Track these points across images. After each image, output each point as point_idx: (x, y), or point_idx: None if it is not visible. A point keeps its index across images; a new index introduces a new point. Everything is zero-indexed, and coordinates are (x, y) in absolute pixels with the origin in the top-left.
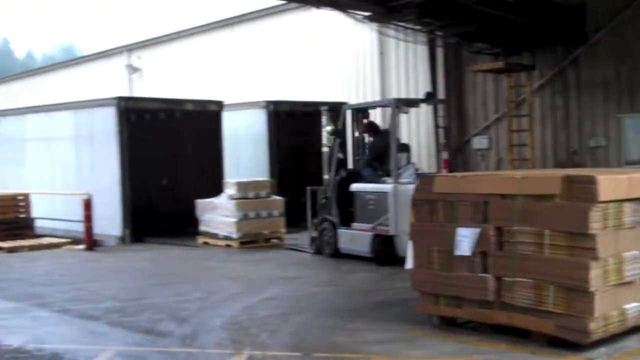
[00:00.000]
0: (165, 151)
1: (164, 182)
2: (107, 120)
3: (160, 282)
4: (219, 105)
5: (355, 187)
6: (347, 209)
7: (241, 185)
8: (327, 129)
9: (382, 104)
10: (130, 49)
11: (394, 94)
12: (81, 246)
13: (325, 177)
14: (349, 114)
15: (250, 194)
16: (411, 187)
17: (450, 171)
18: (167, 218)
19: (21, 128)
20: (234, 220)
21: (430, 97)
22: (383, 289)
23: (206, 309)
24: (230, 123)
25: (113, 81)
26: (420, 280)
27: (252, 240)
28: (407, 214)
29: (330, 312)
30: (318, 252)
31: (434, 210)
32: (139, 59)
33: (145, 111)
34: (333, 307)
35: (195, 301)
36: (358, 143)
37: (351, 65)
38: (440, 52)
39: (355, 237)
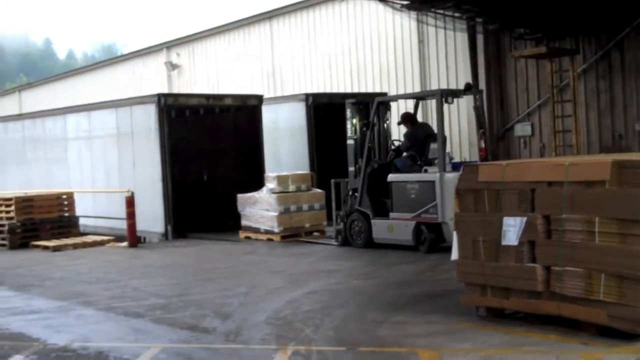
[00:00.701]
0: (206, 147)
1: (204, 178)
2: (148, 118)
3: (203, 277)
4: (259, 99)
5: (394, 177)
6: (381, 200)
7: (282, 179)
8: (352, 121)
9: (428, 95)
10: (169, 46)
11: (434, 83)
12: (124, 243)
13: (350, 169)
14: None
15: (291, 188)
16: (457, 176)
17: (486, 160)
18: (209, 213)
19: (63, 128)
20: (275, 214)
21: (469, 88)
22: (427, 281)
23: (249, 304)
24: (269, 117)
25: (153, 79)
26: (466, 272)
27: (293, 234)
28: (453, 202)
29: (373, 305)
30: (344, 244)
31: (479, 199)
32: (178, 55)
33: (185, 107)
34: (376, 300)
35: (239, 296)
36: (381, 135)
37: (390, 55)
38: (480, 39)
39: (394, 227)
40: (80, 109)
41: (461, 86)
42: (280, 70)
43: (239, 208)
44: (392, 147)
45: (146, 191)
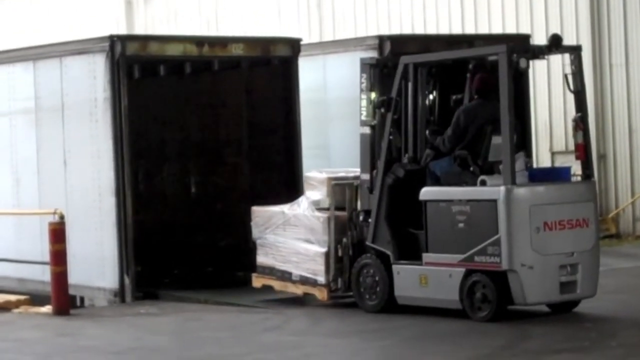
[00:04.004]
0: (195, 132)
1: (193, 190)
2: (91, 80)
3: None
4: (293, 46)
5: (429, 192)
6: (409, 232)
7: (335, 184)
8: (370, 96)
9: (486, 54)
10: None
11: (615, 26)
12: (46, 308)
13: (363, 177)
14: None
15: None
16: (535, 192)
17: (586, 163)
18: (199, 254)
19: None
20: (321, 249)
21: (557, 44)
22: None
23: None
24: (312, 79)
25: (100, 10)
26: None
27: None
28: (528, 236)
29: None
30: (347, 292)
31: None
32: None
33: (159, 61)
34: None
35: None
36: (418, 118)
37: None
38: None
39: (429, 277)
40: None
41: None
42: None
43: (254, 233)
44: (437, 141)
45: (87, 213)
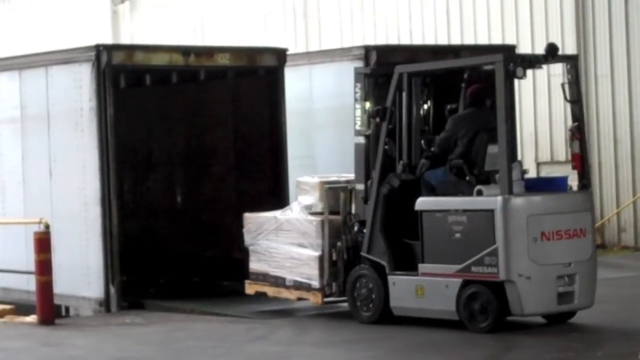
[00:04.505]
0: (181, 142)
1: (179, 199)
2: (77, 89)
3: None
4: (279, 56)
5: (425, 202)
6: (404, 242)
7: (328, 189)
8: (365, 105)
9: (482, 63)
10: None
11: (600, 35)
12: (31, 317)
13: (358, 187)
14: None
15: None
16: (532, 202)
17: (582, 173)
18: (185, 263)
19: None
20: (315, 253)
21: (553, 53)
22: None
23: None
24: (299, 88)
25: (86, 18)
26: None
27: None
28: (525, 246)
29: None
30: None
31: None
32: None
33: (145, 71)
34: None
35: None
36: (412, 129)
37: None
38: None
39: (425, 288)
40: None
41: None
42: (317, 4)
43: (246, 239)
44: (431, 150)
45: (72, 223)
